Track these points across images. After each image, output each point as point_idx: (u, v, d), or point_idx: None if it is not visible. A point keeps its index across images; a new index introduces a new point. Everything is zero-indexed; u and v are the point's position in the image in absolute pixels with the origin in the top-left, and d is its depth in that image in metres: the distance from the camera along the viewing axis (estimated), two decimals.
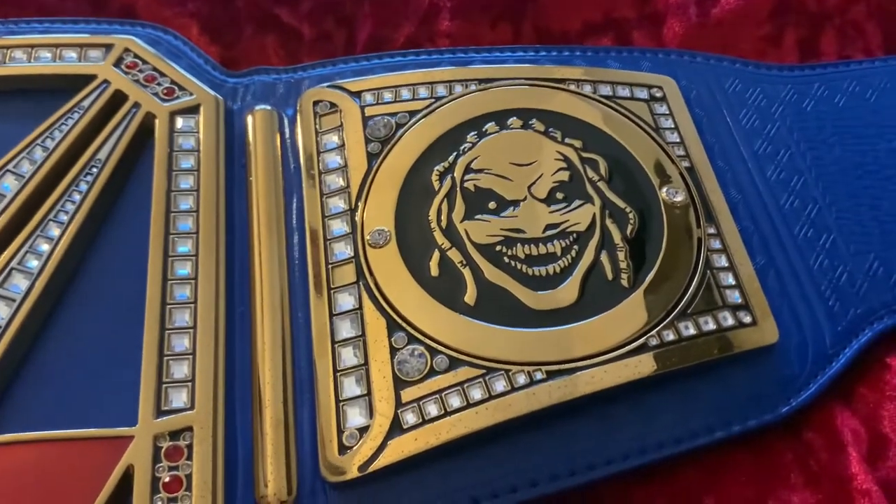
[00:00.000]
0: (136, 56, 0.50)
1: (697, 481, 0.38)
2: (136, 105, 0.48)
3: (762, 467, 0.38)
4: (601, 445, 0.38)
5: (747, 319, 0.40)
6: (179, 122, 0.48)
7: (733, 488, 0.37)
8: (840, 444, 0.38)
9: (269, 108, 0.49)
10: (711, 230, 0.43)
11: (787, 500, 0.37)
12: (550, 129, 0.46)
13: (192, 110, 0.48)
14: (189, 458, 0.37)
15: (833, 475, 0.37)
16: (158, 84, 0.49)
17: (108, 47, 0.50)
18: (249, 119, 0.49)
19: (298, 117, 0.48)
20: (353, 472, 0.36)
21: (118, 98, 0.48)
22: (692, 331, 0.39)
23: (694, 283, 0.41)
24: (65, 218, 0.43)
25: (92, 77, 0.49)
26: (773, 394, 0.39)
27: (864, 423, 0.39)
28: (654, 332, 0.39)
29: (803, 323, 0.41)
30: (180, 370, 0.39)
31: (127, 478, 0.36)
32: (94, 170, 0.45)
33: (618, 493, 0.38)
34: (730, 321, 0.40)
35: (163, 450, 0.37)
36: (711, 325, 0.39)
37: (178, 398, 0.38)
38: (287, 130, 0.49)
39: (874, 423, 0.39)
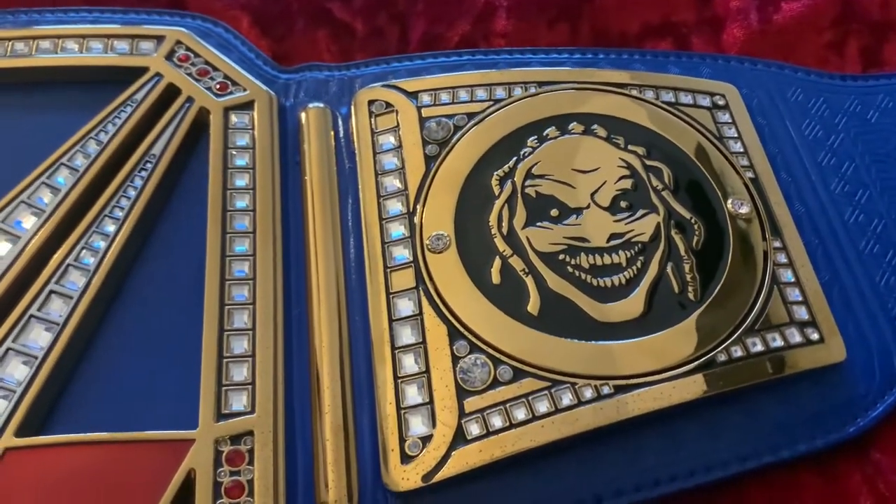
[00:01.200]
0: (188, 49, 0.50)
1: (764, 501, 0.37)
2: (190, 99, 0.48)
3: (830, 488, 0.37)
4: (667, 461, 0.37)
5: (815, 336, 0.39)
6: (233, 119, 0.47)
7: None
8: None
9: (322, 105, 0.49)
10: (777, 244, 0.42)
11: None
12: (613, 136, 0.45)
13: (246, 106, 0.48)
14: (250, 462, 0.36)
15: None
16: (211, 78, 0.49)
17: (159, 39, 0.50)
18: (303, 117, 0.48)
19: (353, 117, 0.47)
20: (416, 482, 0.36)
21: (171, 92, 0.48)
22: (760, 347, 0.39)
23: (761, 298, 0.40)
24: (120, 214, 0.43)
25: (144, 69, 0.48)
26: (840, 413, 0.39)
27: None
28: (721, 348, 0.38)
29: (870, 341, 0.41)
30: (240, 373, 0.39)
31: (188, 482, 0.36)
32: (149, 165, 0.45)
33: None
34: (797, 338, 0.39)
35: (224, 454, 0.37)
36: (779, 342, 0.39)
37: (239, 401, 0.38)
38: (341, 129, 0.48)
39: None
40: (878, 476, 0.38)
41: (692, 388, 0.37)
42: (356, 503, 0.36)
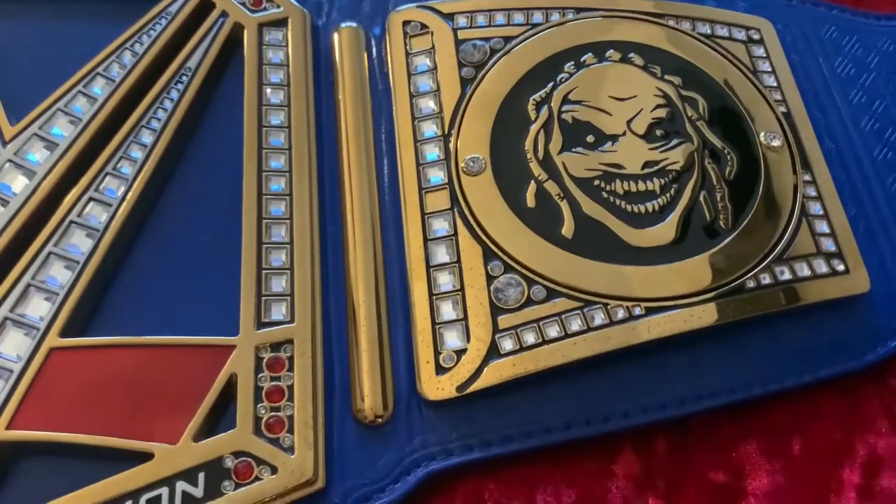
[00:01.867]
0: None
1: (786, 422, 0.38)
2: (224, 14, 0.47)
3: (849, 412, 0.39)
4: (692, 381, 0.38)
5: (840, 268, 0.40)
6: (267, 35, 0.47)
7: (821, 431, 0.38)
8: None
9: (355, 25, 0.48)
10: (807, 177, 0.43)
11: (873, 444, 0.38)
12: (650, 64, 0.45)
13: (280, 23, 0.48)
14: (290, 369, 0.37)
15: None
16: None
17: None
18: (336, 36, 0.48)
19: (387, 37, 0.47)
20: (450, 392, 0.37)
21: (205, 5, 0.47)
22: (788, 276, 0.40)
23: (790, 228, 0.41)
24: (157, 125, 0.43)
25: None
26: (861, 342, 0.40)
27: None
28: (751, 275, 0.39)
29: (892, 275, 0.42)
30: (279, 284, 0.40)
31: (230, 385, 0.37)
32: (185, 78, 0.45)
33: (706, 428, 0.39)
34: (824, 268, 0.40)
35: (264, 360, 0.37)
36: (806, 272, 0.40)
37: (278, 311, 0.39)
38: (374, 50, 0.48)
39: None
40: (895, 400, 0.39)
41: (721, 312, 0.38)
42: (391, 411, 0.38)
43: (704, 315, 0.38)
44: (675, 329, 0.38)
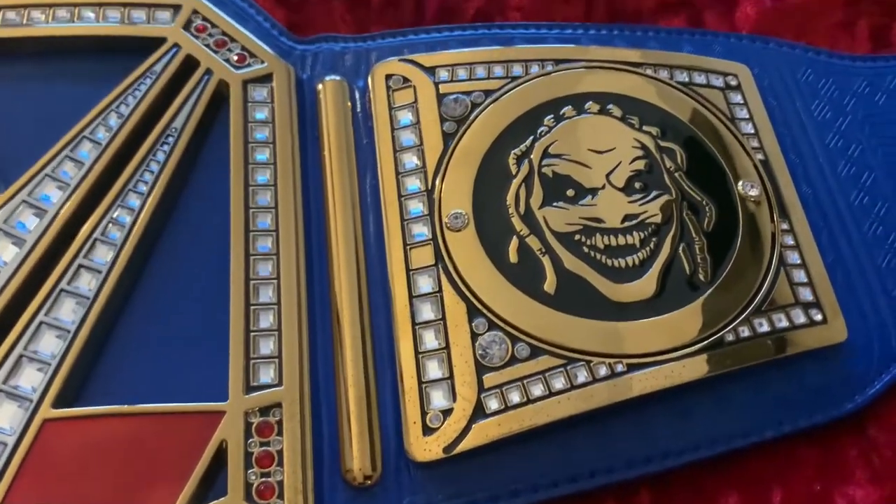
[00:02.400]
0: (205, 18, 0.50)
1: (767, 473, 0.39)
2: (209, 72, 0.48)
3: (828, 462, 0.40)
4: (675, 435, 0.39)
5: (818, 317, 0.41)
6: (252, 92, 0.48)
7: (801, 482, 0.39)
8: None
9: (339, 78, 0.49)
10: (785, 226, 0.44)
11: (851, 495, 0.39)
12: (628, 115, 0.46)
13: (265, 79, 0.48)
14: (279, 433, 0.38)
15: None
16: (229, 50, 0.49)
17: (175, 8, 0.50)
18: (320, 90, 0.48)
19: (371, 91, 0.48)
20: (437, 453, 0.38)
21: (190, 63, 0.48)
22: (766, 328, 0.40)
23: (768, 279, 0.42)
24: (144, 188, 0.44)
25: (162, 40, 0.48)
26: (840, 391, 0.41)
27: None
28: (730, 328, 0.40)
29: (870, 322, 0.43)
30: (267, 346, 0.40)
31: (220, 452, 0.37)
32: (171, 138, 0.46)
33: (689, 481, 0.39)
34: (802, 319, 0.41)
35: (254, 425, 0.38)
36: (784, 323, 0.41)
37: (266, 374, 0.40)
38: (358, 103, 0.49)
39: None
40: (874, 451, 0.40)
41: (701, 366, 0.39)
42: (380, 472, 0.38)
43: (685, 370, 0.39)
44: (657, 385, 0.38)
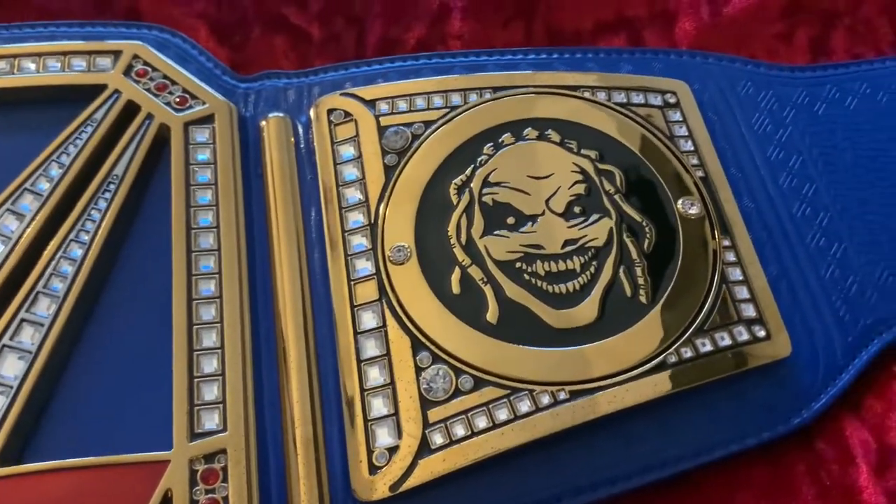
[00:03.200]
0: (145, 63, 0.50)
1: (717, 493, 0.39)
2: (150, 116, 0.48)
3: (777, 479, 0.40)
4: (622, 460, 0.39)
5: (761, 334, 0.41)
6: (194, 134, 0.48)
7: (750, 501, 0.39)
8: (850, 456, 0.40)
9: (282, 115, 0.49)
10: (726, 242, 0.44)
11: None
12: (566, 140, 0.46)
13: (206, 120, 0.48)
14: (224, 480, 0.38)
15: (843, 487, 0.39)
16: (170, 93, 0.49)
17: (116, 54, 0.50)
18: (264, 128, 0.49)
19: (313, 126, 0.48)
20: (383, 492, 0.37)
21: (131, 109, 0.48)
22: (709, 347, 0.40)
23: (710, 298, 0.42)
24: (86, 238, 0.44)
25: (102, 87, 0.48)
26: (787, 406, 0.41)
27: (873, 433, 0.41)
28: (672, 349, 0.40)
29: (815, 335, 0.43)
30: (211, 392, 0.40)
31: (166, 502, 0.37)
32: (112, 186, 0.46)
33: None
34: (745, 336, 0.41)
35: (199, 473, 0.38)
36: (727, 341, 0.41)
37: (211, 420, 0.39)
38: (301, 138, 0.49)
39: (882, 433, 0.40)
40: (821, 466, 0.40)
41: (644, 390, 0.39)
42: None
43: (628, 395, 0.39)
44: (600, 412, 0.38)
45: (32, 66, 0.49)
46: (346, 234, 0.44)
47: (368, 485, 0.38)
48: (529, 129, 0.47)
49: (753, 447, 0.40)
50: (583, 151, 0.46)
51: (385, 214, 0.44)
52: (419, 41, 0.54)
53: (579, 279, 0.42)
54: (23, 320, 0.41)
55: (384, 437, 0.39)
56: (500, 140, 0.46)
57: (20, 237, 0.43)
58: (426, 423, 0.39)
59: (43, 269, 0.42)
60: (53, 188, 0.45)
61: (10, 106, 0.48)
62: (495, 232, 0.43)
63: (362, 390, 0.40)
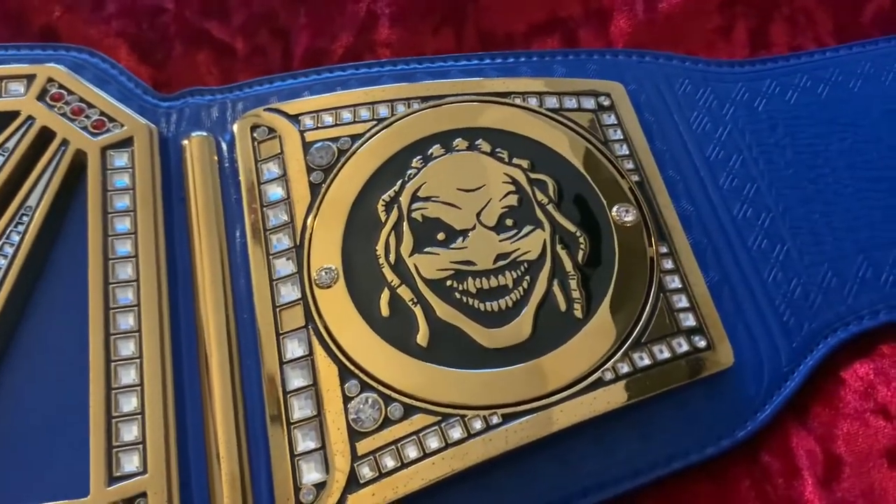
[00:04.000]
0: (60, 86, 0.48)
1: None
2: (65, 142, 0.46)
3: (721, 496, 0.38)
4: (560, 483, 0.37)
5: (702, 344, 0.40)
6: (112, 158, 0.46)
7: None
8: (795, 468, 0.38)
9: (204, 134, 0.47)
10: (664, 249, 0.42)
11: None
12: (497, 150, 0.44)
13: (125, 143, 0.46)
14: None
15: (788, 501, 0.37)
16: (87, 117, 0.47)
17: (30, 78, 0.48)
18: (186, 148, 0.47)
19: (237, 144, 0.46)
20: None
21: (45, 135, 0.46)
22: (647, 361, 0.39)
23: (647, 309, 0.40)
24: None
25: (15, 114, 0.46)
26: (730, 417, 0.39)
27: (819, 442, 0.39)
28: (608, 364, 0.38)
29: (758, 341, 0.41)
30: (130, 432, 0.38)
31: None
32: (25, 218, 0.43)
33: None
34: (685, 347, 0.39)
35: None
36: (666, 354, 0.39)
37: (130, 462, 0.38)
38: (225, 157, 0.47)
39: (828, 443, 0.39)
40: (766, 480, 0.38)
41: (579, 410, 0.37)
42: None
43: (563, 416, 0.37)
44: (534, 435, 0.37)
45: None
46: (270, 257, 0.43)
47: None
48: (459, 139, 0.45)
49: (696, 463, 0.38)
50: (514, 161, 0.44)
51: (311, 235, 0.43)
52: (347, 50, 0.52)
53: (512, 295, 0.40)
54: None
55: (311, 472, 0.37)
56: (429, 152, 0.44)
57: None
58: (355, 456, 0.37)
59: None
60: None
61: None
62: (425, 249, 0.42)
63: (288, 423, 0.38)
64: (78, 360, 0.40)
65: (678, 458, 0.38)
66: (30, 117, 0.46)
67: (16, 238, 0.43)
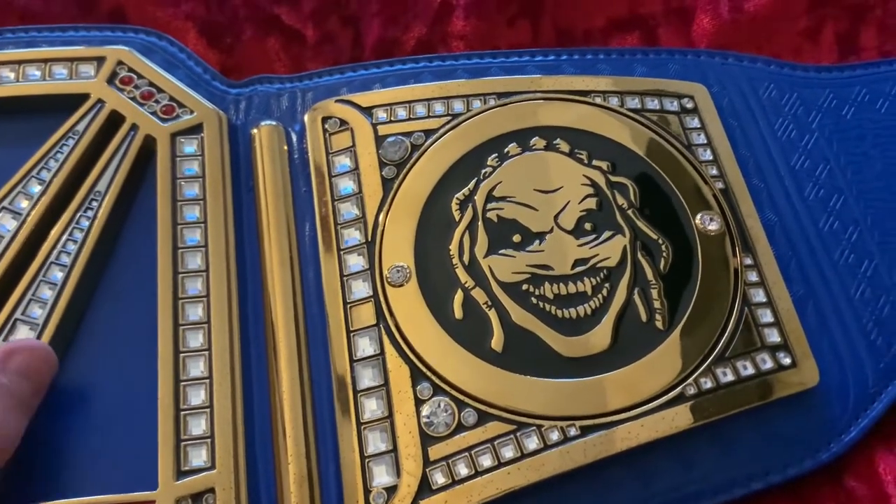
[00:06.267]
0: (130, 69, 0.47)
1: None
2: (135, 127, 0.45)
3: None
4: (637, 498, 0.36)
5: (787, 361, 0.38)
6: (181, 145, 0.45)
7: None
8: (884, 494, 0.37)
9: (274, 123, 0.46)
10: (748, 260, 0.41)
11: None
12: (576, 150, 0.43)
13: (195, 130, 0.46)
14: None
15: None
16: (157, 101, 0.46)
17: (100, 60, 0.47)
18: (255, 137, 0.46)
19: (307, 136, 0.45)
20: None
21: (115, 119, 0.45)
22: (730, 377, 0.37)
23: (731, 322, 0.39)
24: (67, 260, 0.41)
25: (85, 96, 0.46)
26: (814, 439, 0.38)
27: None
28: (691, 379, 0.37)
29: (844, 360, 0.40)
30: (198, 426, 0.38)
31: None
32: (95, 203, 0.43)
33: None
34: (769, 364, 0.38)
35: None
36: (750, 370, 0.38)
37: (198, 457, 0.37)
38: (295, 148, 0.46)
39: None
40: None
41: (660, 425, 0.36)
42: None
43: (643, 431, 0.36)
44: (612, 449, 0.36)
45: (11, 76, 0.46)
46: (341, 252, 0.42)
47: None
48: (537, 138, 0.44)
49: (777, 484, 0.37)
50: (594, 162, 0.43)
51: (383, 232, 0.42)
52: (419, 41, 0.50)
53: (591, 303, 0.39)
54: None
55: (382, 475, 0.36)
56: (505, 150, 0.43)
57: None
58: (427, 461, 0.36)
59: (22, 293, 0.40)
60: (33, 206, 0.42)
61: None
62: (500, 251, 0.40)
63: (359, 424, 0.37)
64: (145, 349, 0.39)
65: (758, 478, 0.37)
66: (99, 100, 0.46)
67: (85, 223, 0.43)
